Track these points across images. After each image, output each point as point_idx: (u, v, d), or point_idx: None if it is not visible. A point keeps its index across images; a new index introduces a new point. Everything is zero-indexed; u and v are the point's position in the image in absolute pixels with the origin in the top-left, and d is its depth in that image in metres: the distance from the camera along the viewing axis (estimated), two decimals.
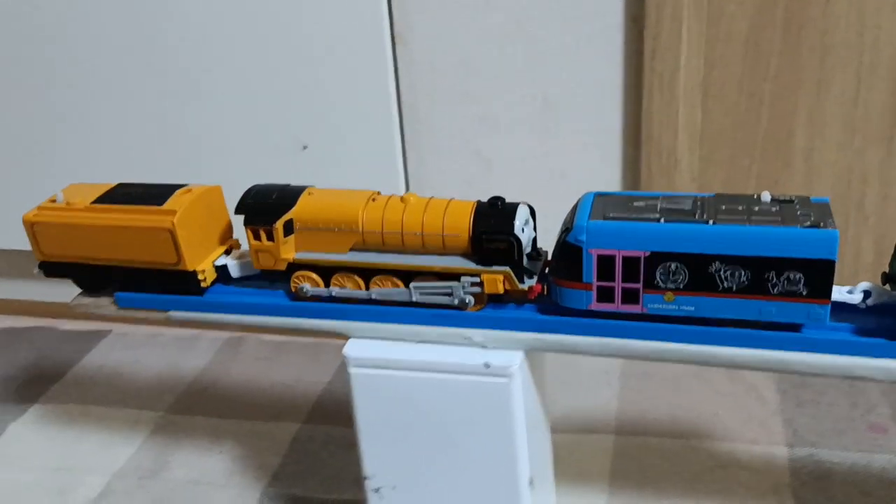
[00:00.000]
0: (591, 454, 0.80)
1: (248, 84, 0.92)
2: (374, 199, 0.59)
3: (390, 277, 0.58)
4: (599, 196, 0.55)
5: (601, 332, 0.54)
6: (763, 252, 0.49)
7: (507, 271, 0.55)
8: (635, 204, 0.53)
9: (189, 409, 0.91)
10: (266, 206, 0.59)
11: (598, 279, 0.52)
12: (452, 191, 0.94)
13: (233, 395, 0.93)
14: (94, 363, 1.01)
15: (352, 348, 0.58)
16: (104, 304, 0.65)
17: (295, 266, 0.60)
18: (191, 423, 0.89)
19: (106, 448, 0.86)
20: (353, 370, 0.58)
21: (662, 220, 0.51)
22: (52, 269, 0.66)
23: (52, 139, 1.00)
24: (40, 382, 0.97)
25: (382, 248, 0.58)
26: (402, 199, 0.58)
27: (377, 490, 0.61)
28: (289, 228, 0.59)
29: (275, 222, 0.58)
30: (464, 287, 0.56)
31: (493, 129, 0.91)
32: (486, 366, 0.55)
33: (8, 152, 1.02)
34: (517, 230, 0.55)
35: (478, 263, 0.56)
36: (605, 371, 0.92)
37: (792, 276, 0.49)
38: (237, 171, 0.97)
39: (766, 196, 0.52)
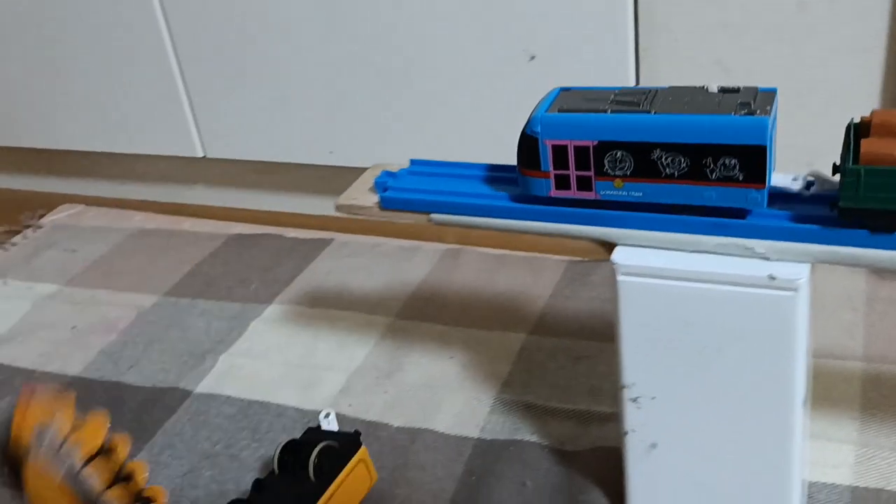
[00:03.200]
0: (838, 380, 0.76)
1: None
2: None
3: None
4: (564, 91, 0.58)
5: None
6: (698, 139, 0.52)
7: None
8: (590, 97, 0.57)
9: (416, 315, 0.94)
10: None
11: (555, 168, 0.56)
12: None
13: (457, 304, 0.95)
14: (321, 269, 1.05)
15: (621, 256, 0.57)
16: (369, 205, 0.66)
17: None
18: (419, 329, 0.91)
19: (342, 348, 0.90)
20: (621, 278, 0.57)
21: (609, 111, 0.54)
22: None
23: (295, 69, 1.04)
24: (274, 284, 1.03)
25: None
26: None
27: (635, 399, 0.61)
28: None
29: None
30: None
31: (736, 37, 0.86)
32: (771, 278, 0.52)
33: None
34: None
35: None
36: (849, 296, 0.87)
37: (727, 161, 0.51)
38: (464, 84, 0.97)
39: (712, 86, 0.55)
